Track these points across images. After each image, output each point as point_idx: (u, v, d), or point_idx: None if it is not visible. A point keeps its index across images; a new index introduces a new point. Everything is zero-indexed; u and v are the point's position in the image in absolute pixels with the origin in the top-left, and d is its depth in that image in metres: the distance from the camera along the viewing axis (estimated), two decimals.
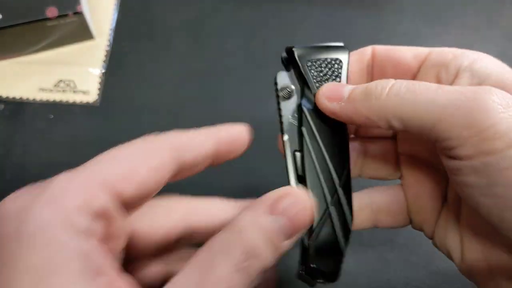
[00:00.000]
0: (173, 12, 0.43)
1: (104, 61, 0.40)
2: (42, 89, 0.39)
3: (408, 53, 0.22)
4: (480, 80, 0.20)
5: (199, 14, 0.43)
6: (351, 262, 0.33)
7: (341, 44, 0.23)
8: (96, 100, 0.38)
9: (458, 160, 0.17)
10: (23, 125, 0.37)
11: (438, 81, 0.21)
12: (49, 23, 0.37)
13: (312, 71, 0.22)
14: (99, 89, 0.39)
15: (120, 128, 0.37)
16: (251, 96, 0.39)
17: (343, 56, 0.22)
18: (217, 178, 0.36)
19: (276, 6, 0.44)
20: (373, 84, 0.19)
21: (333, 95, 0.20)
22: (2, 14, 0.35)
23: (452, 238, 0.21)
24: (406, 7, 0.44)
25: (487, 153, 0.16)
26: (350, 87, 0.20)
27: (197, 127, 0.38)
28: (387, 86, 0.18)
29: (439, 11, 0.44)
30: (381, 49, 0.23)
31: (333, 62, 0.22)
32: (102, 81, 0.39)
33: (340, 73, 0.22)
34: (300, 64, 0.22)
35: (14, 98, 0.38)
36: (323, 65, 0.22)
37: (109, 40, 0.41)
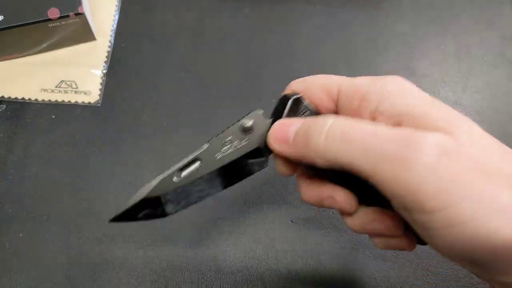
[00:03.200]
0: (174, 13, 0.43)
1: (105, 62, 0.40)
2: (44, 90, 0.39)
3: (322, 95, 0.22)
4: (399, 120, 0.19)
5: (199, 15, 0.43)
6: (351, 261, 0.34)
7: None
8: (98, 100, 0.39)
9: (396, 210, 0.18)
10: (25, 125, 0.37)
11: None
12: (51, 24, 0.37)
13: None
14: (100, 89, 0.39)
15: (121, 128, 0.38)
16: (251, 96, 0.39)
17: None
18: None
19: (276, 6, 0.44)
20: (311, 126, 0.19)
21: (280, 137, 0.21)
22: (4, 15, 0.36)
23: None
24: (406, 8, 0.45)
25: (418, 212, 0.17)
26: (296, 126, 0.21)
27: (197, 127, 0.38)
28: (323, 131, 0.19)
29: (438, 12, 0.45)
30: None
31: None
32: (103, 81, 0.39)
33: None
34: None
35: (16, 98, 0.38)
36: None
37: (110, 41, 0.41)
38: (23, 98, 0.38)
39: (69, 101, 0.39)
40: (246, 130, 0.22)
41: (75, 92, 0.39)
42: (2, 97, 0.38)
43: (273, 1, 0.44)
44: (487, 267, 0.17)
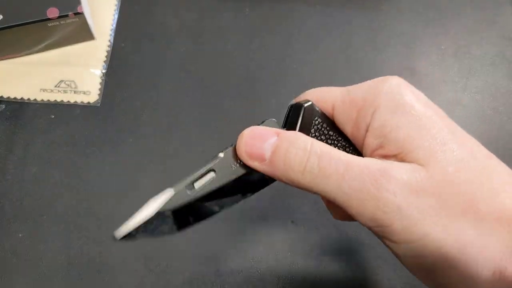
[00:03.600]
0: (174, 12, 0.43)
1: (105, 62, 0.40)
2: (43, 90, 0.39)
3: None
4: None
5: (199, 15, 0.43)
6: (351, 261, 0.34)
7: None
8: (97, 100, 0.39)
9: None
10: (24, 125, 0.37)
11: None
12: (50, 24, 0.37)
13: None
14: (100, 89, 0.39)
15: (121, 128, 0.38)
16: (250, 96, 0.39)
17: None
18: None
19: (276, 6, 0.44)
20: (290, 154, 0.19)
21: (255, 153, 0.19)
22: (3, 15, 0.36)
23: None
24: (405, 8, 0.45)
25: (385, 239, 0.18)
26: (270, 141, 0.19)
27: (197, 127, 0.38)
28: (304, 160, 0.19)
29: (438, 11, 0.45)
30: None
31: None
32: (102, 81, 0.39)
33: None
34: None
35: (15, 98, 0.38)
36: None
37: (110, 41, 0.41)
38: (22, 98, 0.38)
39: (69, 101, 0.38)
40: None
41: (75, 92, 0.39)
42: (2, 97, 0.38)
43: (273, 1, 0.44)
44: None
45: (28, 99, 0.38)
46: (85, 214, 0.34)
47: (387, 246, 0.19)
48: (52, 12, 0.36)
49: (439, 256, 0.17)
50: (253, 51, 0.41)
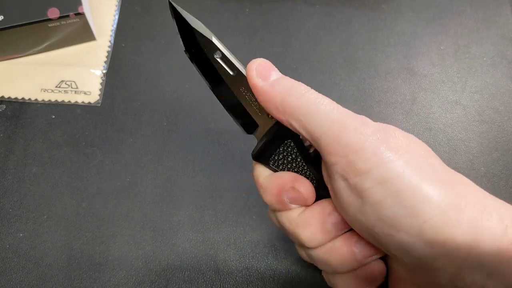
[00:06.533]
0: None
1: (105, 62, 0.40)
2: (44, 90, 0.39)
3: None
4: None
5: (199, 14, 0.43)
6: None
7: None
8: (98, 100, 0.39)
9: (337, 180, 0.20)
10: (25, 125, 0.37)
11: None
12: (51, 24, 0.37)
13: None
14: (100, 89, 0.39)
15: (121, 128, 0.38)
16: None
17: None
18: (221, 176, 0.36)
19: (276, 6, 0.44)
20: (294, 87, 0.22)
21: (262, 72, 0.22)
22: (3, 15, 0.36)
23: None
24: (404, 8, 0.45)
25: (355, 174, 0.19)
26: (277, 73, 0.23)
27: (197, 127, 0.38)
28: (303, 91, 0.21)
29: (438, 12, 0.45)
30: None
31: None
32: (103, 81, 0.39)
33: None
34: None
35: (16, 98, 0.38)
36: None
37: (110, 41, 0.41)
38: (23, 98, 0.38)
39: (69, 101, 0.39)
40: None
41: (75, 92, 0.39)
42: (2, 97, 0.38)
43: (273, 1, 0.44)
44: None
45: (29, 99, 0.38)
46: (85, 214, 0.34)
47: (351, 190, 0.20)
48: (53, 13, 0.36)
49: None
50: (253, 51, 0.41)
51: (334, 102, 0.21)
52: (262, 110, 0.23)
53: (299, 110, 0.21)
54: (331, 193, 0.22)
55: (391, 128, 0.21)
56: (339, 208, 0.22)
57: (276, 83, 0.22)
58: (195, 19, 0.24)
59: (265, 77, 0.22)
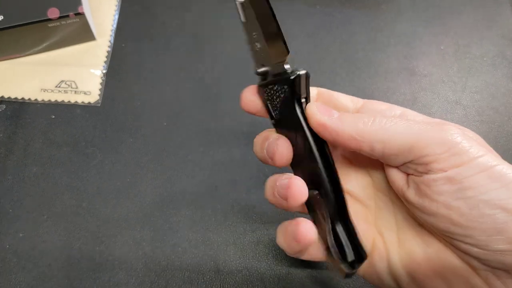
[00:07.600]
0: (174, 13, 0.43)
1: (105, 62, 0.40)
2: (44, 90, 0.39)
3: (347, 99, 0.26)
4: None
5: (199, 15, 0.43)
6: None
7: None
8: (97, 100, 0.39)
9: (433, 173, 0.21)
10: (25, 125, 0.37)
11: None
12: (51, 24, 0.37)
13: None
14: (100, 89, 0.39)
15: (121, 128, 0.38)
16: None
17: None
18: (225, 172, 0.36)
19: (276, 6, 0.44)
20: (359, 114, 0.23)
21: (323, 110, 0.23)
22: (3, 15, 0.36)
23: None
24: (404, 8, 0.45)
25: (457, 165, 0.21)
26: (335, 111, 0.24)
27: (197, 127, 0.38)
28: (371, 118, 0.22)
29: (438, 11, 0.45)
30: (325, 92, 0.27)
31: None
32: (103, 81, 0.39)
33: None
34: None
35: (16, 98, 0.38)
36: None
37: (110, 41, 0.41)
38: (23, 98, 0.38)
39: (69, 101, 0.39)
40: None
41: (75, 92, 0.39)
42: (2, 97, 0.38)
43: (273, 1, 0.44)
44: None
45: (29, 99, 0.38)
46: (85, 214, 0.34)
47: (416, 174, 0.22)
48: (53, 13, 0.36)
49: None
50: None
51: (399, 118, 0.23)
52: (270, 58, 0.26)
53: (375, 133, 0.22)
54: (406, 195, 0.23)
55: (459, 126, 0.23)
56: (415, 203, 0.23)
57: (343, 117, 0.23)
58: None
59: (330, 115, 0.23)
